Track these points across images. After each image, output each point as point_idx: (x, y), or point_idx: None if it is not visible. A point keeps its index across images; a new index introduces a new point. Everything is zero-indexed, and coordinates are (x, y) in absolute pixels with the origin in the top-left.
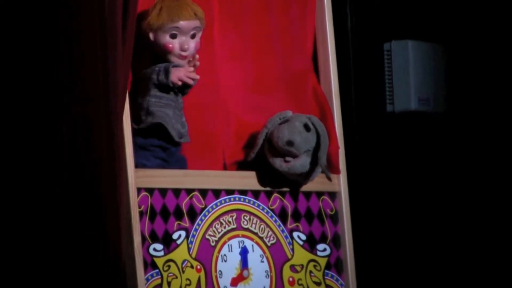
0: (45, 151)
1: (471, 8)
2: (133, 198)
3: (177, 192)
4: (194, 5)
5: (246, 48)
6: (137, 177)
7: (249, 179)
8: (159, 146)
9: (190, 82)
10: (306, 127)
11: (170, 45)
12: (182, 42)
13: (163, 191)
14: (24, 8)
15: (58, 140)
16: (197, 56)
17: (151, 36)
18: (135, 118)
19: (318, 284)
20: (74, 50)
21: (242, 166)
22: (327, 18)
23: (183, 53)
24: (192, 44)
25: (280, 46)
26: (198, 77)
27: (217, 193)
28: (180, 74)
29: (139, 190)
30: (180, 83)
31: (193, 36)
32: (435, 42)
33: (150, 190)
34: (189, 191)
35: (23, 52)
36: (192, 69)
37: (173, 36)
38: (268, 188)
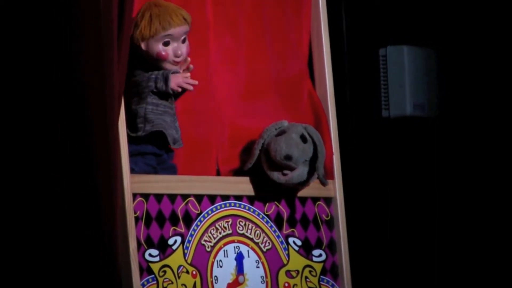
0: (39, 156)
1: (466, 14)
2: (129, 204)
3: (172, 197)
4: (181, 9)
5: (241, 53)
6: (132, 183)
7: (244, 185)
8: (152, 153)
9: (190, 88)
10: (303, 138)
11: (164, 53)
12: (175, 48)
13: (158, 197)
14: (23, 12)
15: (53, 145)
16: (189, 59)
17: (143, 45)
18: (129, 126)
19: None
20: (72, 55)
21: (236, 172)
22: (322, 23)
23: (177, 59)
24: (184, 49)
25: (275, 51)
26: (196, 82)
27: (212, 198)
28: (179, 80)
29: (134, 195)
30: (180, 89)
31: (183, 41)
32: (431, 48)
33: (146, 196)
34: (184, 196)
35: (22, 56)
36: (189, 75)
37: (166, 44)
38: (263, 194)
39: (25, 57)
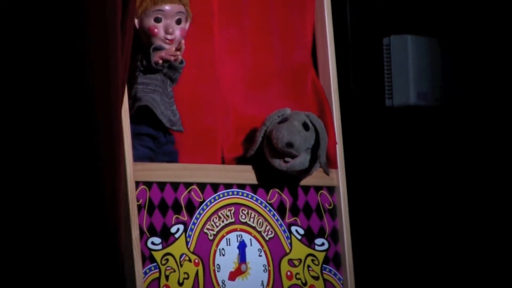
0: (43, 144)
1: (470, 2)
2: (132, 192)
3: (175, 185)
4: None
5: (245, 42)
6: (135, 171)
7: (247, 173)
8: (147, 134)
9: (171, 58)
10: (305, 126)
11: (155, 30)
12: (167, 25)
13: (161, 185)
14: (26, 7)
15: (57, 134)
16: (183, 40)
17: (137, 23)
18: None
19: (316, 278)
20: (75, 43)
21: (240, 160)
22: (326, 12)
23: (168, 37)
24: (177, 30)
25: (279, 40)
26: (178, 53)
27: (215, 187)
28: (161, 54)
29: (137, 183)
30: (161, 61)
31: (178, 22)
32: (434, 37)
33: (149, 184)
34: (187, 184)
35: (25, 44)
36: (173, 48)
37: (158, 20)
38: (266, 182)
39: (26, 45)
